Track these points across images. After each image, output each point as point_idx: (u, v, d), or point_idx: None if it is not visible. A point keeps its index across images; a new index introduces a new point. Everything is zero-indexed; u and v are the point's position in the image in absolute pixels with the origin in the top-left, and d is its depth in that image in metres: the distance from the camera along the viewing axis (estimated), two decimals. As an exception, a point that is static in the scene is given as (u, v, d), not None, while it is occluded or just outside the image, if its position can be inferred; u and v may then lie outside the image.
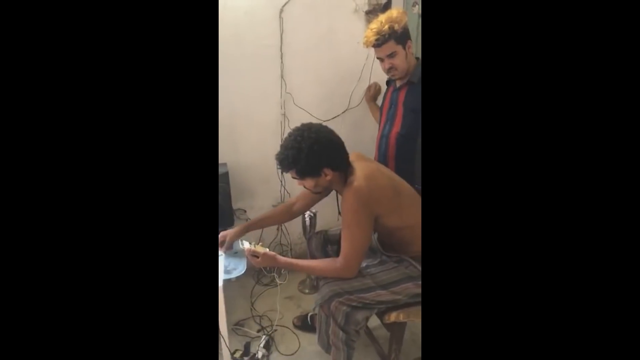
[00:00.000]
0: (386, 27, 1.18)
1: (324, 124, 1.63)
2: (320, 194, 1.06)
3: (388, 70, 1.29)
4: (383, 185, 0.92)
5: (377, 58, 1.30)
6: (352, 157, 0.99)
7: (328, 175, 0.91)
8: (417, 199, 1.00)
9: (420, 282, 0.94)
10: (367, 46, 1.27)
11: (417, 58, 1.33)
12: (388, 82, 1.48)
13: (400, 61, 1.25)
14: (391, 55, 1.24)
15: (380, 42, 1.21)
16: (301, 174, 0.91)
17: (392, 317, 0.96)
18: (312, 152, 0.86)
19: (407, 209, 0.95)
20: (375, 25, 1.22)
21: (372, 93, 1.60)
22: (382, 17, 1.21)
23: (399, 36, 1.22)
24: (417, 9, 1.61)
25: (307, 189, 0.99)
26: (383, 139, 1.40)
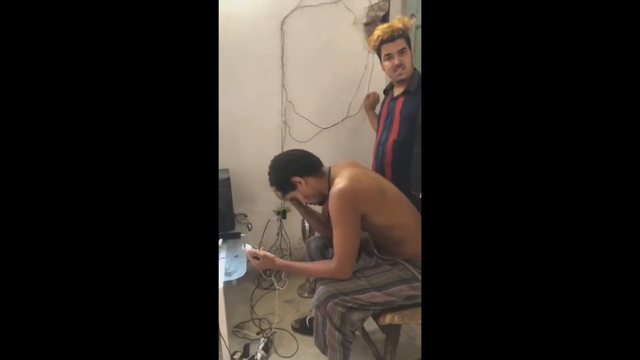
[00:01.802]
0: (399, 25, 1.27)
1: (324, 131, 1.70)
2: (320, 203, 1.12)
3: (396, 68, 1.31)
4: (366, 184, 0.97)
5: (386, 55, 1.32)
6: (343, 164, 1.07)
7: (302, 182, 1.03)
8: (403, 199, 1.05)
9: (413, 285, 0.97)
10: (376, 42, 1.31)
11: (414, 68, 1.38)
12: (385, 91, 1.53)
13: (408, 60, 1.31)
14: (402, 52, 1.29)
15: (395, 35, 1.27)
16: (280, 190, 1.07)
17: (387, 319, 0.98)
18: (274, 169, 1.05)
19: (393, 207, 1.00)
20: (385, 25, 1.30)
21: (371, 101, 1.64)
22: (394, 21, 1.31)
23: (408, 37, 1.30)
24: (415, 21, 1.66)
25: (305, 204, 1.13)
26: (380, 146, 1.45)
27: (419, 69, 1.41)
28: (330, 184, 0.99)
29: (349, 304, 0.94)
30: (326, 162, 1.14)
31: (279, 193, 1.09)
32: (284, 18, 1.52)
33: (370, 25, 1.60)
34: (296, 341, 1.33)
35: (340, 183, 0.93)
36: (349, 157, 1.31)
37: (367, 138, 1.69)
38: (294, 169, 1.02)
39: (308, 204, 1.16)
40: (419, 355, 1.21)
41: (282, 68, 1.57)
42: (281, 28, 1.53)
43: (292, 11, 1.52)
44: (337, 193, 0.92)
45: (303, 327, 1.37)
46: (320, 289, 0.96)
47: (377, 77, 1.66)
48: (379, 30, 1.30)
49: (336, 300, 0.93)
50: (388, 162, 1.42)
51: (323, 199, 1.08)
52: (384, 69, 1.39)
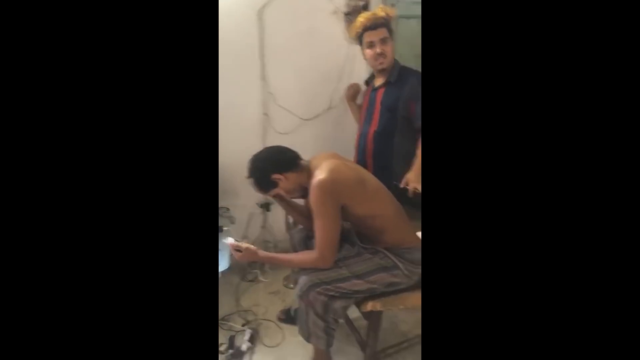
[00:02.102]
0: (382, 13, 1.28)
1: (306, 122, 1.69)
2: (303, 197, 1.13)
3: (377, 57, 1.32)
4: (346, 175, 0.98)
5: (368, 43, 1.33)
6: (323, 156, 1.07)
7: (282, 178, 1.03)
8: (382, 190, 1.07)
9: (394, 272, 1.00)
10: (359, 29, 1.32)
11: (395, 59, 1.39)
12: (367, 82, 1.53)
13: (390, 49, 1.32)
14: (384, 41, 1.30)
15: (378, 23, 1.28)
16: (262, 189, 1.07)
17: (369, 306, 1.01)
18: (253, 169, 1.06)
19: (373, 198, 1.02)
20: (368, 13, 1.31)
21: (352, 92, 1.64)
22: (376, 9, 1.33)
23: (390, 27, 1.31)
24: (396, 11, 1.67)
25: (288, 199, 1.14)
26: (362, 137, 1.46)
27: (401, 60, 1.42)
28: (310, 176, 1.00)
29: (331, 293, 0.96)
30: (309, 154, 1.14)
31: (262, 191, 1.09)
32: (262, 7, 1.49)
33: (350, 15, 1.59)
34: (282, 331, 1.35)
35: (319, 175, 0.94)
36: (333, 148, 1.31)
37: (351, 129, 1.69)
38: (272, 167, 1.03)
39: (292, 198, 1.16)
40: (401, 339, 1.25)
41: (261, 58, 1.55)
42: (259, 17, 1.50)
43: (270, 0, 1.49)
44: (316, 185, 0.93)
45: (289, 317, 1.39)
46: (303, 279, 0.98)
47: (358, 68, 1.65)
48: (362, 17, 1.31)
49: (318, 289, 0.95)
50: (370, 153, 1.43)
51: (305, 193, 1.08)
52: (365, 58, 1.39)
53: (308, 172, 1.03)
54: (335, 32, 1.60)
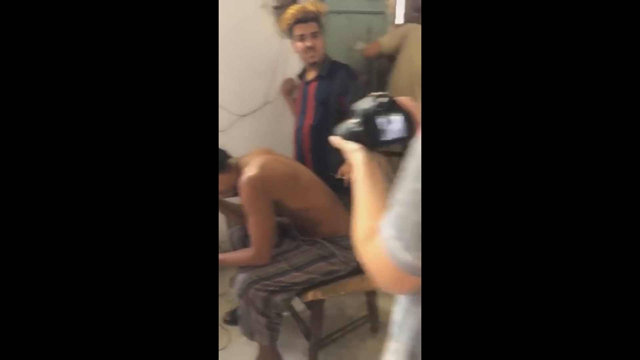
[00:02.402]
0: (313, 8, 1.29)
1: (242, 119, 1.65)
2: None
3: (307, 50, 1.34)
4: (279, 171, 0.99)
5: (298, 36, 1.34)
6: (254, 152, 1.08)
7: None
8: (317, 182, 1.09)
9: (332, 261, 1.03)
10: (290, 21, 1.32)
11: (326, 54, 1.42)
12: (300, 76, 1.55)
13: (320, 43, 1.34)
14: (314, 35, 1.32)
15: (308, 17, 1.29)
16: None
17: (310, 295, 1.03)
18: None
19: (307, 191, 1.04)
20: (298, 6, 1.32)
21: (288, 87, 1.64)
22: (307, 3, 1.33)
23: (321, 23, 1.33)
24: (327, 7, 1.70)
25: (221, 200, 1.11)
26: (298, 131, 1.47)
27: (331, 55, 1.45)
28: (240, 174, 0.98)
29: (271, 288, 0.96)
30: (248, 150, 1.12)
31: None
32: (186, -2, 1.41)
33: (280, 9, 1.58)
34: (228, 333, 1.32)
35: (248, 172, 0.93)
36: (272, 143, 1.30)
37: (289, 124, 1.70)
38: None
39: (225, 198, 1.14)
40: (346, 323, 1.31)
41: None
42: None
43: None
44: (245, 182, 0.92)
45: (235, 318, 1.36)
46: (241, 277, 0.97)
47: (292, 62, 1.66)
48: (293, 9, 1.31)
49: (257, 286, 0.95)
50: (307, 147, 1.45)
51: (237, 191, 1.07)
52: (296, 51, 1.40)
53: (237, 170, 1.01)
54: (265, 26, 1.58)
